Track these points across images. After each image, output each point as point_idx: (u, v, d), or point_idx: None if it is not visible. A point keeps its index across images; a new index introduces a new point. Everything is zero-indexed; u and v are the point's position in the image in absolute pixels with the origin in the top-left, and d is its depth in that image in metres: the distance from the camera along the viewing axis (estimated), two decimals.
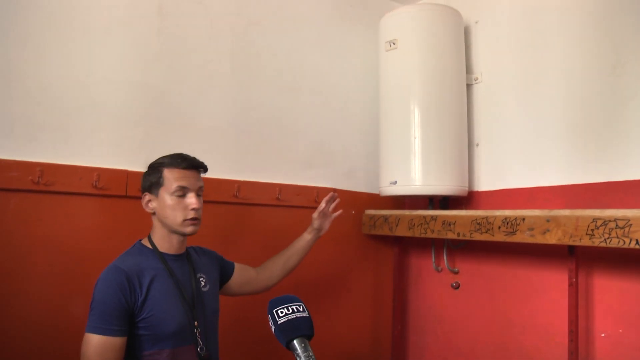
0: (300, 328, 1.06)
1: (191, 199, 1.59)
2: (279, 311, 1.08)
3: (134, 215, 1.93)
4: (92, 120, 1.95)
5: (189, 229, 1.60)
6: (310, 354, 1.01)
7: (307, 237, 2.08)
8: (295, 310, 1.09)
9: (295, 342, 1.03)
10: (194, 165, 1.64)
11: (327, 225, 2.12)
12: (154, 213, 1.63)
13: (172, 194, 1.58)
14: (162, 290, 1.54)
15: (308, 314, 1.10)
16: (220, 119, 2.28)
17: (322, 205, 2.08)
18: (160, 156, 1.65)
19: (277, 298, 1.13)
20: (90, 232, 1.90)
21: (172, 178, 1.59)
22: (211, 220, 2.15)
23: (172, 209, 1.58)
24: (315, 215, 2.08)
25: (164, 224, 1.61)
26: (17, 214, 1.76)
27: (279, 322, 1.07)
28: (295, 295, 1.14)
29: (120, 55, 2.03)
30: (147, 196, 1.62)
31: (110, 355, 1.41)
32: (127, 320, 1.46)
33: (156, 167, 1.62)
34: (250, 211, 2.32)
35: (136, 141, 2.04)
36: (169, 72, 2.15)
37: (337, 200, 2.13)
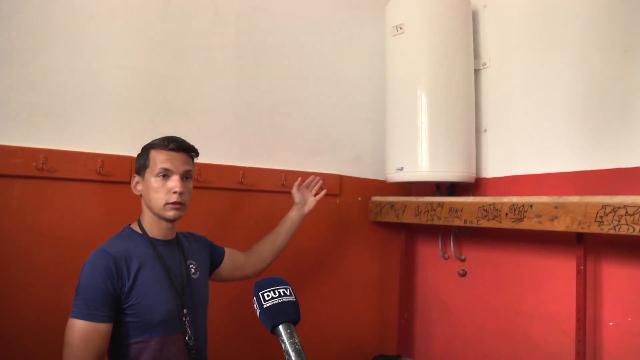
0: (287, 313, 1.00)
1: (173, 182, 1.55)
2: (265, 294, 1.02)
3: (139, 201, 1.93)
4: (96, 107, 1.94)
5: (170, 214, 1.56)
6: (296, 340, 0.95)
7: (291, 214, 2.09)
8: (282, 294, 1.02)
9: (280, 327, 0.97)
10: (182, 148, 1.60)
11: (311, 200, 2.15)
12: (141, 195, 1.61)
13: (156, 175, 1.55)
14: (150, 277, 1.51)
15: (295, 298, 1.04)
16: (225, 105, 2.26)
17: (298, 181, 2.16)
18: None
19: (263, 280, 1.06)
20: (94, 218, 1.90)
21: (157, 159, 1.56)
22: (216, 206, 2.15)
23: (155, 191, 1.55)
24: (293, 190, 2.13)
25: (149, 207, 1.58)
26: (21, 200, 1.77)
27: (264, 306, 1.00)
28: (283, 278, 1.08)
29: (124, 42, 2.01)
30: (136, 178, 1.61)
31: (95, 342, 1.37)
32: (113, 306, 1.42)
33: (145, 149, 1.61)
34: (256, 197, 2.31)
35: (140, 127, 2.02)
36: (174, 58, 2.14)
37: (320, 183, 2.23)
